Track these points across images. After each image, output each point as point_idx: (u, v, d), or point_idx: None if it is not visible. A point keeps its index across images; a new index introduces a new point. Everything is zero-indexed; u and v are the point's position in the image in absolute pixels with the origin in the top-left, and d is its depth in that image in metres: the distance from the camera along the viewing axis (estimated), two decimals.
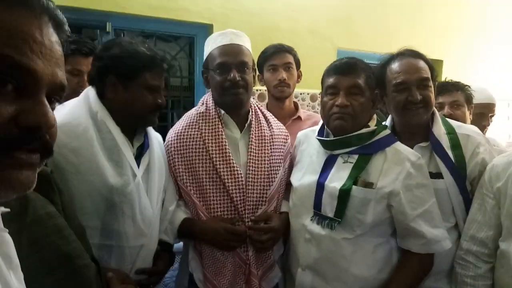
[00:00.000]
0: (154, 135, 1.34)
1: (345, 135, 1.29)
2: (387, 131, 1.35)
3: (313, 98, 2.69)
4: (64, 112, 1.13)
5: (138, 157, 1.22)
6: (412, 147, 1.38)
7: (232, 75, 1.30)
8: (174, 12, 2.22)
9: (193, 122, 1.40)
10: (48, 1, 0.47)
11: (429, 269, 1.30)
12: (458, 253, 1.35)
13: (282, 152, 1.47)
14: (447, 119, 1.51)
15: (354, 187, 1.25)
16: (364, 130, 1.30)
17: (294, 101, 1.96)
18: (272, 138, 1.44)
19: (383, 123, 1.50)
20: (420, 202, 1.26)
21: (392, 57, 1.44)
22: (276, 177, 1.41)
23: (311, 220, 1.32)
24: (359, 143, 1.29)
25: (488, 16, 3.40)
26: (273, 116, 1.54)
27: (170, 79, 2.15)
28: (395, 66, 1.41)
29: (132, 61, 1.13)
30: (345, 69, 1.29)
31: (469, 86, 2.03)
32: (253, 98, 1.51)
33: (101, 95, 1.17)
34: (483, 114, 2.01)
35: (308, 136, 1.46)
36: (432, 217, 1.28)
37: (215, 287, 1.33)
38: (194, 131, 1.37)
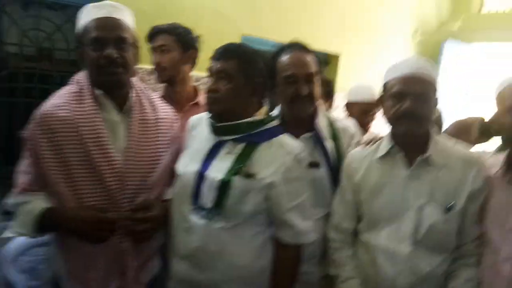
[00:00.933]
0: None
1: (221, 119, 1.29)
2: (275, 122, 1.38)
3: None
4: None
5: None
6: (298, 137, 1.44)
7: (108, 52, 1.19)
8: None
9: (63, 102, 1.25)
10: None
11: (300, 258, 1.37)
12: (328, 243, 1.45)
13: (168, 137, 1.41)
14: (326, 112, 1.61)
15: (235, 177, 1.25)
16: (251, 119, 1.30)
17: (194, 86, 1.89)
18: (157, 122, 1.37)
19: (272, 112, 1.55)
20: (295, 195, 1.31)
21: (282, 49, 1.48)
22: (159, 163, 1.35)
23: (192, 209, 1.30)
24: (247, 130, 1.29)
25: (381, 13, 3.66)
26: (159, 99, 1.47)
27: (55, 51, 1.92)
28: (284, 58, 1.45)
29: None
30: (219, 54, 1.28)
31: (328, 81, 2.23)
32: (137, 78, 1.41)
33: None
34: (366, 111, 2.18)
35: (201, 120, 1.42)
36: (304, 210, 1.34)
37: (84, 283, 1.25)
38: (65, 113, 1.23)
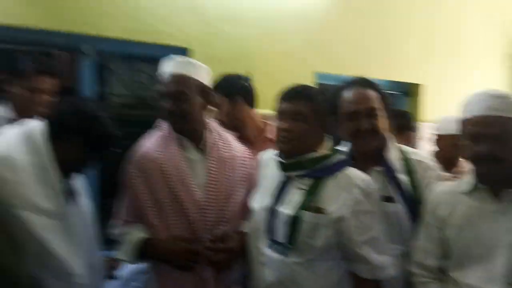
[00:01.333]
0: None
1: (292, 158, 1.34)
2: (340, 157, 1.39)
3: None
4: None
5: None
6: (368, 171, 1.43)
7: (167, 106, 1.39)
8: (151, 35, 2.30)
9: (154, 145, 1.46)
10: None
11: None
12: (413, 279, 1.39)
13: (243, 173, 1.51)
14: (402, 145, 1.57)
15: (305, 212, 1.28)
16: (316, 154, 1.34)
17: (261, 121, 2.01)
18: (232, 159, 1.48)
19: (339, 147, 1.56)
20: (366, 229, 1.30)
21: (344, 86, 1.51)
22: (236, 198, 1.45)
23: (263, 247, 1.36)
24: (311, 166, 1.33)
25: (468, 36, 3.46)
26: (234, 139, 1.58)
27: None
28: (346, 95, 1.48)
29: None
30: (288, 95, 1.35)
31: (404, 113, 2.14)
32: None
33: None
34: (455, 144, 2.08)
35: (268, 160, 1.51)
36: (378, 244, 1.32)
37: None
38: (156, 154, 1.43)
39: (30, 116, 1.56)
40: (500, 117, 1.19)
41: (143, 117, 2.68)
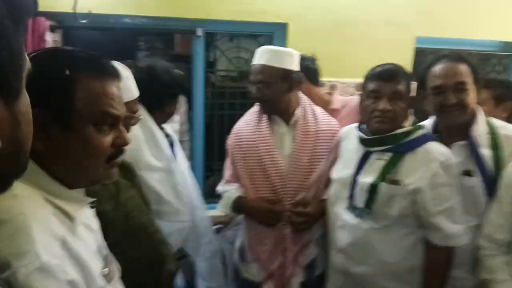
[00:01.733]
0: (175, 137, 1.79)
1: (382, 135, 1.43)
2: (422, 131, 1.45)
3: None
4: None
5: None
6: (451, 144, 1.47)
7: (253, 92, 1.60)
8: (254, 14, 2.50)
9: (249, 119, 1.71)
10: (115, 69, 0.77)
11: (450, 261, 1.41)
12: (480, 251, 1.42)
13: (327, 146, 1.64)
14: (493, 118, 1.54)
15: (382, 183, 1.40)
16: (399, 131, 1.42)
17: (326, 93, 2.15)
18: (317, 133, 1.63)
19: (425, 122, 1.61)
20: (443, 200, 1.37)
21: (434, 60, 1.52)
22: (317, 168, 1.61)
23: (346, 209, 1.50)
24: (393, 142, 1.43)
25: None
26: (323, 112, 1.72)
27: None
28: (435, 69, 1.49)
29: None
30: (387, 75, 1.42)
31: (507, 83, 1.97)
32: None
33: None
34: None
35: (349, 133, 1.61)
36: (453, 214, 1.39)
37: (256, 253, 1.66)
38: (249, 127, 1.69)
39: None
40: None
41: (245, 88, 2.96)
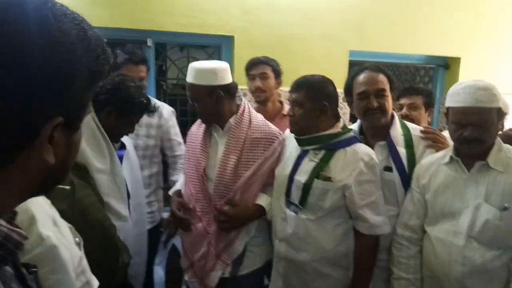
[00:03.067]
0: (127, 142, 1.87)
1: (301, 135, 1.64)
2: (350, 134, 1.64)
3: None
4: None
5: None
6: (373, 144, 1.69)
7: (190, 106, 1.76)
8: (202, 27, 2.68)
9: (195, 126, 1.89)
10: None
11: (376, 247, 1.63)
12: (394, 238, 1.64)
13: (259, 153, 1.73)
14: (405, 122, 1.78)
15: (316, 180, 1.58)
16: (328, 132, 1.61)
17: (279, 100, 2.38)
18: (247, 140, 1.72)
19: (352, 125, 1.83)
20: (367, 194, 1.57)
21: (358, 71, 1.72)
22: (243, 174, 1.71)
23: (283, 206, 1.67)
24: (325, 141, 1.61)
25: (502, 17, 3.41)
26: (260, 120, 1.81)
27: None
28: (359, 78, 1.69)
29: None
30: (292, 86, 1.65)
31: (430, 92, 2.29)
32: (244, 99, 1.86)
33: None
34: None
35: (291, 135, 1.76)
36: (376, 207, 1.59)
37: (183, 243, 1.87)
38: (193, 132, 1.87)
39: None
40: (483, 108, 1.38)
41: None
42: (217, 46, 2.91)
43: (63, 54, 0.46)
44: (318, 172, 1.59)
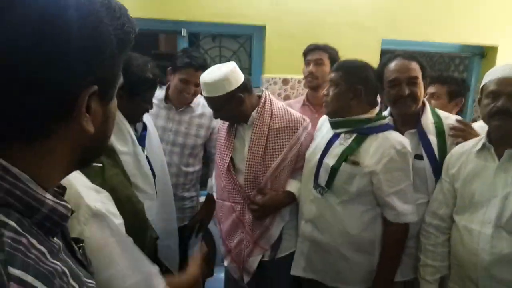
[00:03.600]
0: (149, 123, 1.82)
1: (334, 117, 1.67)
2: (385, 121, 1.65)
3: None
4: None
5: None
6: (403, 132, 1.69)
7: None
8: (234, 17, 2.73)
9: (221, 125, 1.95)
10: None
11: (404, 235, 1.64)
12: (422, 226, 1.65)
13: (285, 142, 1.76)
14: (438, 110, 1.77)
15: (344, 164, 1.60)
16: (361, 116, 1.63)
17: None
18: (270, 131, 1.75)
19: (384, 112, 1.82)
20: (396, 182, 1.58)
21: (390, 58, 1.72)
22: (271, 165, 1.75)
23: (312, 188, 1.71)
24: (356, 125, 1.63)
25: None
26: (281, 109, 1.81)
27: None
28: (391, 65, 1.69)
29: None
30: (333, 67, 1.69)
31: (461, 81, 2.23)
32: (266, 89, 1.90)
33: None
34: None
35: (325, 120, 1.82)
36: (404, 195, 1.59)
37: (221, 232, 1.94)
38: (222, 126, 1.94)
39: (181, 101, 2.15)
40: None
41: None
42: (248, 36, 2.96)
43: (92, 22, 0.47)
44: (346, 156, 1.61)
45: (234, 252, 1.86)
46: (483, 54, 3.44)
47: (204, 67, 2.00)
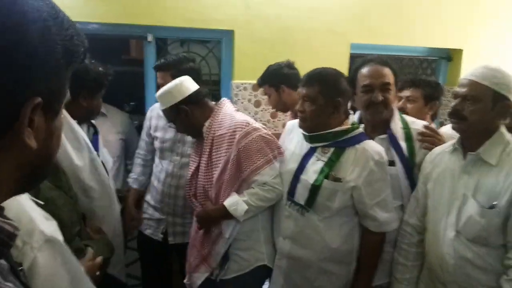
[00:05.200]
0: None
1: (310, 132, 1.59)
2: (360, 130, 1.62)
3: None
4: None
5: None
6: (373, 138, 1.67)
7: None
8: (203, 22, 2.66)
9: None
10: None
11: (383, 242, 1.64)
12: (401, 225, 1.64)
13: (224, 151, 1.70)
14: (403, 115, 1.77)
15: (325, 180, 1.54)
16: (338, 129, 1.57)
17: None
18: (213, 139, 1.74)
19: (352, 118, 1.79)
20: (377, 194, 1.56)
21: (363, 63, 1.70)
22: (214, 172, 1.73)
23: (286, 204, 1.64)
24: (333, 138, 1.58)
25: (504, 8, 3.36)
26: (227, 114, 1.78)
27: (202, 75, 2.53)
28: (364, 70, 1.67)
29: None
30: (304, 81, 1.60)
31: (435, 84, 2.25)
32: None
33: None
34: None
35: (294, 126, 1.74)
36: (386, 205, 1.59)
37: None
38: None
39: None
40: (474, 82, 1.34)
41: None
42: (217, 41, 2.90)
43: (38, 29, 0.45)
44: (327, 173, 1.56)
45: (188, 263, 1.85)
46: (449, 58, 3.52)
47: (163, 67, 2.08)
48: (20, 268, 0.61)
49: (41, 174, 0.55)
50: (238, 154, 1.66)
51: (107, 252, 1.43)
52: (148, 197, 2.27)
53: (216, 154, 1.72)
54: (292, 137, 1.75)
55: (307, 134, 1.62)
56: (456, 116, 1.39)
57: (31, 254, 0.81)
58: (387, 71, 1.67)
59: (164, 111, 1.78)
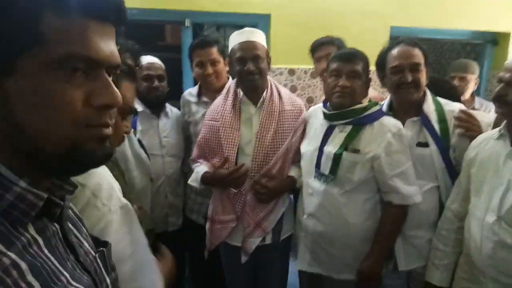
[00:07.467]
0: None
1: (341, 109, 1.63)
2: (377, 107, 1.65)
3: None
4: None
5: None
6: (405, 120, 1.66)
7: (248, 66, 1.69)
8: (239, 6, 2.68)
9: (216, 105, 1.86)
10: None
11: (403, 218, 1.63)
12: (444, 211, 1.62)
13: (292, 124, 1.78)
14: (437, 97, 1.73)
15: (344, 152, 1.59)
16: (357, 106, 1.61)
17: None
18: (281, 113, 1.77)
19: (384, 101, 1.81)
20: (396, 165, 1.57)
21: (393, 44, 1.69)
22: (281, 145, 1.74)
23: (314, 178, 1.69)
24: (352, 116, 1.62)
25: None
26: (289, 94, 1.87)
27: None
28: (393, 52, 1.66)
29: None
30: (347, 57, 1.61)
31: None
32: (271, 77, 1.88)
33: None
34: None
35: (315, 111, 1.81)
36: (406, 177, 1.59)
37: (219, 219, 1.84)
38: (214, 108, 1.86)
39: (211, 89, 2.15)
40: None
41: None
42: (253, 25, 2.89)
43: None
44: (346, 145, 1.61)
45: (233, 233, 1.82)
46: (496, 42, 3.35)
47: (207, 42, 2.05)
48: (101, 248, 0.63)
49: (39, 152, 0.47)
50: (300, 135, 1.81)
51: (150, 224, 1.50)
52: None
53: (283, 127, 1.77)
54: (312, 122, 1.81)
55: (329, 112, 1.66)
56: (500, 101, 1.36)
57: (109, 216, 0.85)
58: (416, 51, 1.65)
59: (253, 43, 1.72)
